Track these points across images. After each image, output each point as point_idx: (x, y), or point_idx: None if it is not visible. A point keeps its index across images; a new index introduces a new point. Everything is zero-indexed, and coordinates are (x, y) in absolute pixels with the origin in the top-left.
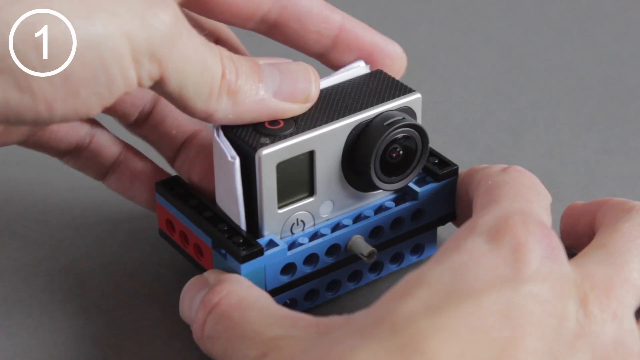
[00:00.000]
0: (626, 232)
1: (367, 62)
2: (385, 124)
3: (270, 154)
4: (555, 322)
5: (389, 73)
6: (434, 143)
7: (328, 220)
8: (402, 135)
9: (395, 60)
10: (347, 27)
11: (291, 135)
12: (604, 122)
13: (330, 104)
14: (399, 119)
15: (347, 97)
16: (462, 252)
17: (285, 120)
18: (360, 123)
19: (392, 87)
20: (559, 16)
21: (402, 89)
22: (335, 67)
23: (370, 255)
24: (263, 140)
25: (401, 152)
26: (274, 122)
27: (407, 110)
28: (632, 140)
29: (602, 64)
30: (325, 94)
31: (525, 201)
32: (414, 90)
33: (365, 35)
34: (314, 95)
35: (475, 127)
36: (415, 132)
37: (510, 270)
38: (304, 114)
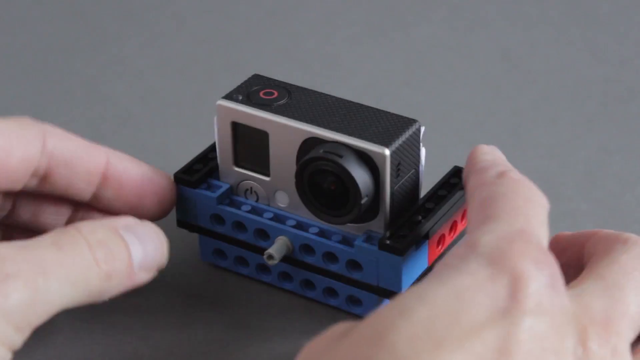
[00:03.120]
0: (624, 264)
1: (137, 197)
2: (321, 151)
3: (226, 108)
4: (554, 359)
5: (157, 203)
6: (434, 143)
7: (282, 210)
8: (322, 168)
9: (165, 190)
10: (113, 162)
11: (262, 108)
12: (604, 122)
13: (333, 112)
14: (327, 154)
15: (352, 117)
16: (464, 275)
17: (279, 92)
18: (312, 138)
19: (383, 133)
20: (559, 16)
21: (384, 138)
22: (111, 209)
23: (267, 257)
24: (237, 97)
25: (335, 187)
26: (268, 92)
27: (368, 159)
28: (632, 140)
29: (602, 64)
30: (346, 104)
31: (524, 218)
32: (386, 146)
33: (133, 168)
34: (165, 263)
35: (475, 127)
36: (340, 177)
37: (510, 302)
38: (303, 105)
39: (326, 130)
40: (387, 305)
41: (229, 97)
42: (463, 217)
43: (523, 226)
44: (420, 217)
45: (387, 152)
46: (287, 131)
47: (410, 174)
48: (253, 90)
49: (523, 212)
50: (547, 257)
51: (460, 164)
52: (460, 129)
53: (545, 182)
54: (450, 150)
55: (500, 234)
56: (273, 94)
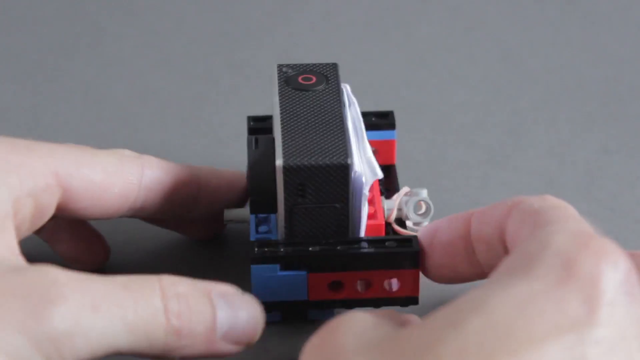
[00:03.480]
0: None
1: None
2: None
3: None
4: None
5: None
6: (434, 143)
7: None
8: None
9: (243, 187)
10: (204, 185)
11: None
12: (604, 122)
13: (304, 116)
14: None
15: (317, 130)
16: (531, 279)
17: (316, 76)
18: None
19: (311, 152)
20: (559, 16)
21: (302, 156)
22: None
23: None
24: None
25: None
26: (307, 77)
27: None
28: (632, 140)
29: (602, 64)
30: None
31: (586, 223)
32: (286, 160)
33: (220, 185)
34: (258, 337)
35: (475, 127)
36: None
37: (582, 311)
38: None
39: (279, 126)
40: (440, 313)
41: None
42: (378, 280)
43: (590, 230)
44: (311, 247)
45: (279, 163)
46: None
47: (329, 205)
48: (292, 78)
49: (584, 221)
50: (624, 259)
51: (461, 164)
52: (460, 129)
53: (545, 182)
54: (451, 150)
55: (575, 232)
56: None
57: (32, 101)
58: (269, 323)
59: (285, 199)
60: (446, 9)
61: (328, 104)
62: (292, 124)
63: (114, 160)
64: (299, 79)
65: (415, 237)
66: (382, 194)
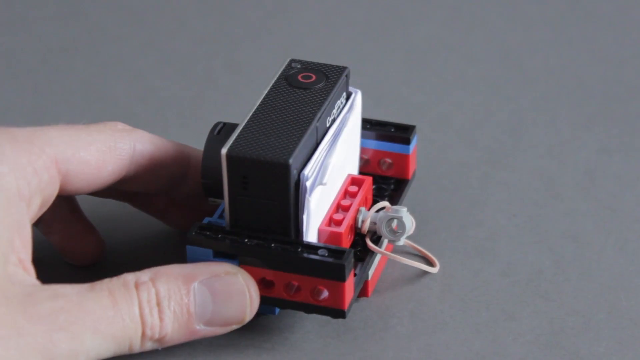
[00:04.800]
0: None
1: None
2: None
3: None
4: None
5: None
6: (434, 143)
7: None
8: None
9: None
10: (193, 162)
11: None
12: (604, 122)
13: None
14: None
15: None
16: None
17: (317, 75)
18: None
19: (261, 145)
20: (559, 16)
21: (250, 147)
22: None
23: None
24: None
25: None
26: (307, 75)
27: None
28: (632, 140)
29: (602, 64)
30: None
31: None
32: (232, 150)
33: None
34: (249, 318)
35: (475, 127)
36: None
37: None
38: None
39: (247, 117)
40: None
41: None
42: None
43: None
44: (247, 240)
45: (224, 151)
46: None
47: (271, 201)
48: (292, 76)
49: None
50: None
51: (461, 164)
52: (460, 129)
53: (545, 182)
54: (450, 150)
55: None
56: None
57: (32, 101)
58: (260, 314)
59: (229, 188)
60: (446, 9)
61: (308, 104)
62: (261, 117)
63: (107, 137)
64: (299, 76)
65: (351, 250)
66: (372, 204)
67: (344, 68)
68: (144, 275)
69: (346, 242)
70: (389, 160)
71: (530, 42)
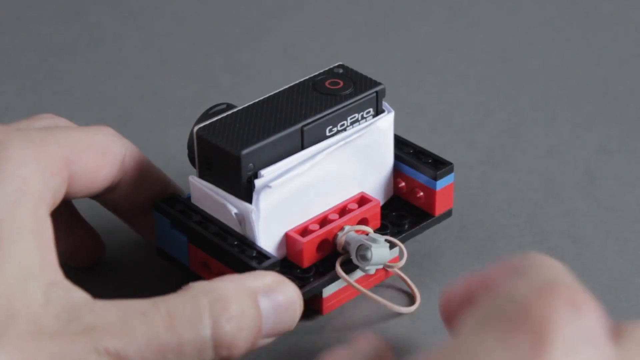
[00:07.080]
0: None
1: None
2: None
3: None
4: None
5: None
6: (434, 143)
7: None
8: None
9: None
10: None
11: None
12: (604, 122)
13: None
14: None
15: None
16: (483, 333)
17: (346, 84)
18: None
19: (231, 132)
20: (559, 16)
21: (223, 133)
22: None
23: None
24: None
25: None
26: (335, 82)
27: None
28: (632, 140)
29: (602, 64)
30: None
31: (558, 271)
32: (201, 129)
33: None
34: (294, 326)
35: (475, 127)
36: None
37: (529, 352)
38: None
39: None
40: None
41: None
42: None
43: (558, 276)
44: (194, 219)
45: (195, 129)
46: None
47: (226, 188)
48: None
49: (560, 272)
50: (590, 306)
51: (461, 164)
52: (460, 129)
53: (545, 182)
54: (450, 150)
55: (539, 283)
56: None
57: (32, 101)
58: None
59: (198, 164)
60: (446, 9)
61: (310, 108)
62: (256, 108)
63: (102, 140)
64: (328, 81)
65: (277, 260)
66: (377, 229)
67: (377, 84)
68: (212, 293)
69: (309, 254)
70: (421, 192)
71: (530, 42)
